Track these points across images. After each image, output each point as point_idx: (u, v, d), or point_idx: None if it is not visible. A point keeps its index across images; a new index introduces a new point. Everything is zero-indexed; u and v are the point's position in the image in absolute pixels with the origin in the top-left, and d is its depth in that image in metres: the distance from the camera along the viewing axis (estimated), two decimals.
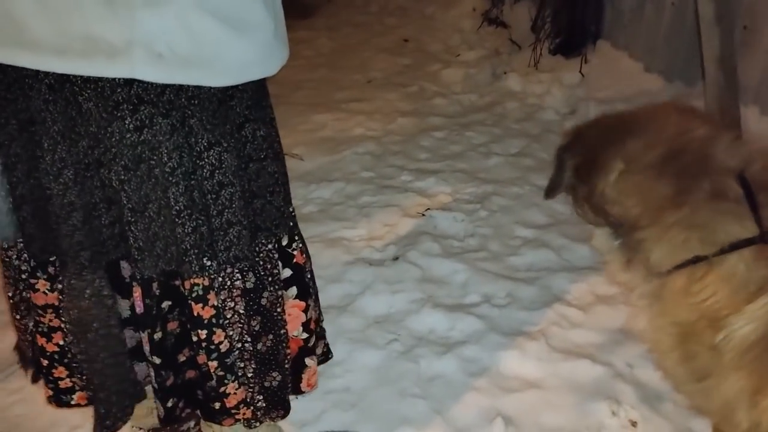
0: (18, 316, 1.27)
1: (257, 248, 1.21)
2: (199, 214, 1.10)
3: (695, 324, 1.04)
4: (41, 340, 1.23)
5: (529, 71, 3.85)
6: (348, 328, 1.91)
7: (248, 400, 1.27)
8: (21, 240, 1.18)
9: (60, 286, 1.17)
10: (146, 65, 0.95)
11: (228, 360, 1.21)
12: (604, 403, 1.61)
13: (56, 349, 1.23)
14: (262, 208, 1.20)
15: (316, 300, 1.39)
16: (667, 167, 1.08)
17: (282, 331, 1.27)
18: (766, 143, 1.12)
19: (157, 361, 1.19)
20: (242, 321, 1.20)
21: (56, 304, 1.19)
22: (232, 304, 1.18)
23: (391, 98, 3.76)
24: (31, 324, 1.24)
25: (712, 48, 2.39)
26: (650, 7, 3.33)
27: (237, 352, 1.22)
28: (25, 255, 1.18)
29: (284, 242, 1.26)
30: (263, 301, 1.23)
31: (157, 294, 1.15)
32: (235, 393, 1.24)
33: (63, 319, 1.18)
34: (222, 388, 1.23)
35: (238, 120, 1.12)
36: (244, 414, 1.28)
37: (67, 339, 1.20)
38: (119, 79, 0.98)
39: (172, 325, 1.20)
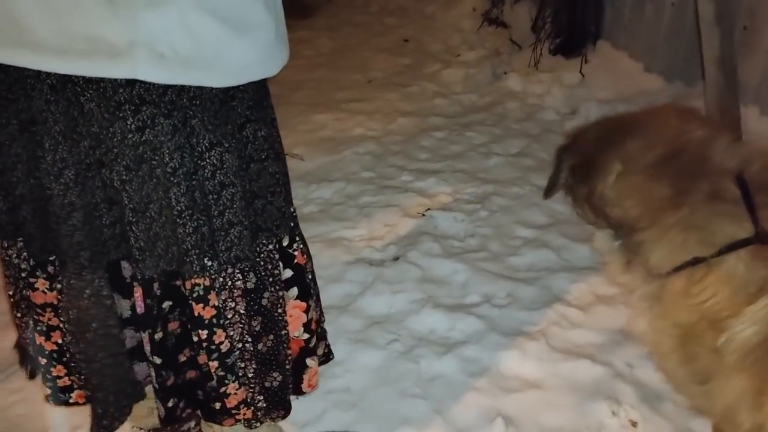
0: (19, 315, 1.27)
1: (258, 249, 1.21)
2: (200, 214, 1.10)
3: (696, 326, 1.04)
4: (39, 339, 1.23)
5: (529, 71, 3.85)
6: (348, 329, 1.92)
7: (249, 400, 1.27)
8: (21, 239, 1.18)
9: (59, 285, 1.17)
10: (148, 66, 0.95)
11: (228, 360, 1.21)
12: (604, 403, 1.61)
13: (54, 347, 1.23)
14: (263, 208, 1.20)
15: (318, 301, 1.39)
16: (666, 168, 1.08)
17: (283, 332, 1.27)
18: (765, 143, 1.12)
19: (158, 361, 1.19)
20: (243, 321, 1.21)
21: (55, 303, 1.20)
22: (233, 305, 1.19)
23: (391, 98, 3.76)
24: (31, 322, 1.25)
25: (712, 48, 2.39)
26: (650, 7, 3.33)
27: (237, 352, 1.22)
28: (25, 254, 1.18)
29: (285, 243, 1.26)
30: (264, 302, 1.23)
31: (158, 294, 1.15)
32: (235, 393, 1.24)
33: (62, 318, 1.18)
34: (222, 389, 1.23)
35: (240, 120, 1.13)
36: (244, 414, 1.28)
37: (66, 338, 1.20)
38: (121, 79, 0.98)
39: (173, 326, 1.20)
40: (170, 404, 1.25)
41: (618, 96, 3.29)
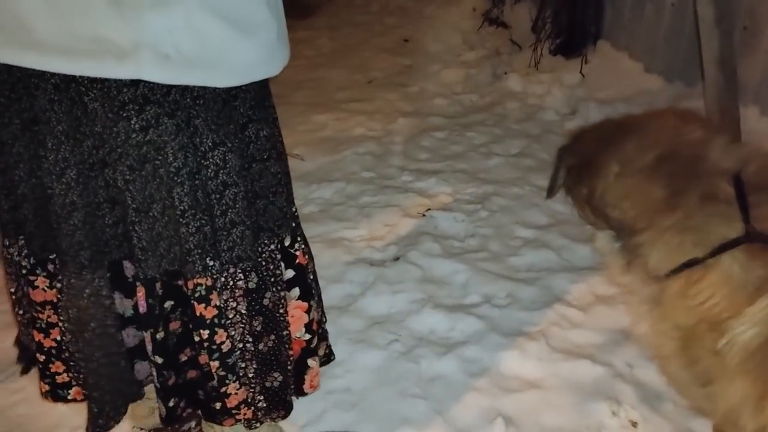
0: (21, 311, 1.27)
1: (260, 249, 1.21)
2: (202, 214, 1.10)
3: (696, 328, 1.04)
4: (38, 336, 1.23)
5: (529, 71, 3.85)
6: (349, 329, 1.92)
7: (249, 400, 1.27)
8: (22, 237, 1.18)
9: (59, 284, 1.17)
10: (153, 66, 0.96)
11: (229, 360, 1.21)
12: (604, 403, 1.61)
13: (54, 344, 1.24)
14: (265, 208, 1.21)
15: (319, 301, 1.40)
16: (662, 170, 1.08)
17: (284, 333, 1.27)
18: (765, 143, 1.12)
19: (159, 360, 1.19)
20: (244, 321, 1.21)
21: (54, 301, 1.20)
22: (234, 304, 1.19)
23: (391, 98, 3.76)
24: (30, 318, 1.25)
25: (711, 49, 2.39)
26: (650, 7, 3.33)
27: (238, 352, 1.22)
28: (26, 252, 1.19)
29: (287, 243, 1.26)
30: (265, 302, 1.23)
31: (160, 294, 1.15)
32: (236, 393, 1.25)
33: (61, 317, 1.19)
34: (223, 389, 1.23)
35: (242, 120, 1.13)
36: (245, 414, 1.28)
37: (65, 337, 1.21)
38: (125, 79, 0.98)
39: (174, 325, 1.20)
40: (171, 404, 1.25)
41: (618, 96, 3.29)
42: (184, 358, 1.24)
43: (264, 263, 1.22)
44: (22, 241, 1.18)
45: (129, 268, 1.17)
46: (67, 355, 1.23)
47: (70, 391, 1.29)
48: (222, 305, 1.17)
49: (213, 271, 1.14)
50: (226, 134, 1.09)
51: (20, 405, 1.69)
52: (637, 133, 1.15)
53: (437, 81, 4.02)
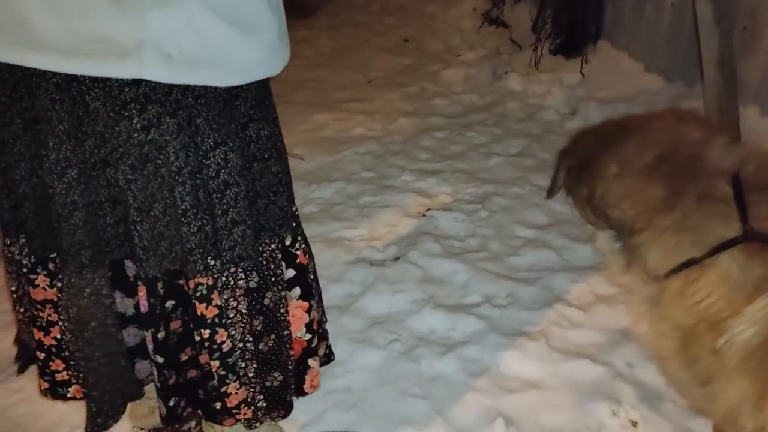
0: (22, 310, 1.28)
1: (261, 248, 1.22)
2: (204, 213, 1.10)
3: (694, 327, 1.04)
4: (38, 334, 1.23)
5: (529, 71, 3.85)
6: (349, 329, 1.92)
7: (249, 400, 1.27)
8: (23, 236, 1.18)
9: (59, 283, 1.17)
10: (155, 65, 0.96)
11: (230, 360, 1.21)
12: (604, 403, 1.61)
13: (54, 342, 1.24)
14: (266, 207, 1.21)
15: (320, 301, 1.40)
16: (660, 170, 1.09)
17: (285, 332, 1.27)
18: (765, 143, 1.12)
19: (160, 360, 1.19)
20: (244, 321, 1.21)
21: (55, 300, 1.20)
22: (235, 304, 1.19)
23: (391, 98, 3.76)
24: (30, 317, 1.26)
25: (711, 50, 2.39)
26: (650, 7, 3.33)
27: (238, 351, 1.22)
28: (27, 250, 1.19)
29: (287, 242, 1.26)
30: (266, 301, 1.23)
31: (162, 293, 1.15)
32: (236, 393, 1.25)
33: (61, 316, 1.19)
34: (223, 388, 1.23)
35: (243, 119, 1.13)
36: (245, 414, 1.28)
37: (65, 336, 1.21)
38: (127, 78, 0.98)
39: (175, 324, 1.20)
40: (171, 403, 1.25)
41: (618, 96, 3.29)
42: (184, 357, 1.24)
43: (265, 263, 1.22)
44: (23, 240, 1.19)
45: (130, 268, 1.17)
46: (66, 353, 1.23)
47: (69, 389, 1.29)
48: (223, 305, 1.18)
49: (214, 270, 1.14)
50: (228, 134, 1.10)
51: (20, 405, 1.69)
52: (637, 134, 1.15)
53: (437, 81, 4.02)
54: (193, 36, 0.96)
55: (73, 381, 1.28)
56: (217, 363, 1.20)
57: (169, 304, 1.18)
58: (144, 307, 1.15)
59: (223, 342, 1.19)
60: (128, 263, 1.17)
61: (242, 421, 1.30)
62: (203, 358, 1.21)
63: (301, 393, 1.39)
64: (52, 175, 1.06)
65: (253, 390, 1.27)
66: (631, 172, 1.12)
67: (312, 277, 1.35)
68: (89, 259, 1.13)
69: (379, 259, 2.26)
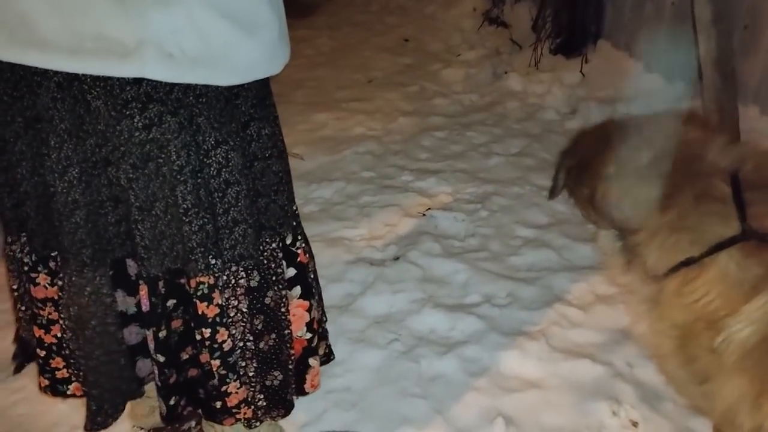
0: (23, 308, 1.28)
1: (262, 247, 1.22)
2: (205, 212, 1.10)
3: (692, 326, 1.05)
4: (39, 332, 1.23)
5: (529, 71, 3.85)
6: (349, 328, 1.92)
7: (249, 399, 1.27)
8: (24, 234, 1.18)
9: (60, 282, 1.17)
10: (157, 65, 0.96)
11: (230, 359, 1.21)
12: (604, 402, 1.61)
13: (54, 340, 1.24)
14: (267, 206, 1.21)
15: (320, 300, 1.40)
16: (657, 170, 1.09)
17: (286, 332, 1.27)
18: (764, 142, 1.12)
19: (161, 359, 1.19)
20: (245, 320, 1.21)
21: (55, 298, 1.20)
22: (236, 303, 1.19)
23: (391, 98, 3.76)
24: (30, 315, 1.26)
25: (709, 50, 2.38)
26: (650, 6, 3.33)
27: (239, 350, 1.22)
28: (28, 249, 1.19)
29: (288, 241, 1.27)
30: (267, 300, 1.23)
31: (163, 292, 1.16)
32: (236, 392, 1.25)
33: (62, 315, 1.19)
34: (224, 387, 1.23)
35: (244, 119, 1.13)
36: (245, 413, 1.28)
37: (65, 335, 1.21)
38: (128, 77, 0.98)
39: (176, 323, 1.21)
40: (172, 402, 1.25)
41: (618, 95, 3.29)
42: (185, 356, 1.24)
43: (266, 262, 1.22)
44: (24, 238, 1.19)
45: (132, 267, 1.17)
46: (67, 351, 1.23)
47: (69, 387, 1.29)
48: (224, 304, 1.18)
49: (215, 269, 1.14)
50: (229, 132, 1.10)
51: (20, 404, 1.69)
52: (636, 134, 1.16)
53: (437, 80, 4.02)
54: (194, 35, 0.96)
55: (73, 379, 1.28)
56: (217, 362, 1.20)
57: (171, 303, 1.18)
58: (145, 306, 1.15)
59: (223, 341, 1.19)
60: (130, 262, 1.17)
61: (242, 420, 1.30)
62: (204, 357, 1.21)
63: (302, 392, 1.39)
64: (54, 173, 1.06)
65: (253, 389, 1.27)
66: (628, 171, 1.13)
67: (312, 276, 1.35)
68: (90, 257, 1.13)
69: (379, 258, 2.26)
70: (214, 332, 1.18)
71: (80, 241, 1.11)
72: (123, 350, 1.22)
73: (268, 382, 1.29)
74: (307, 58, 4.51)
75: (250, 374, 1.25)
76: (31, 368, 1.40)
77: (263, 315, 1.24)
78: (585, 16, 3.73)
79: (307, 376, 1.37)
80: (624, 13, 3.55)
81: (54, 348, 1.25)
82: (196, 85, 1.03)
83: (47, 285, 1.19)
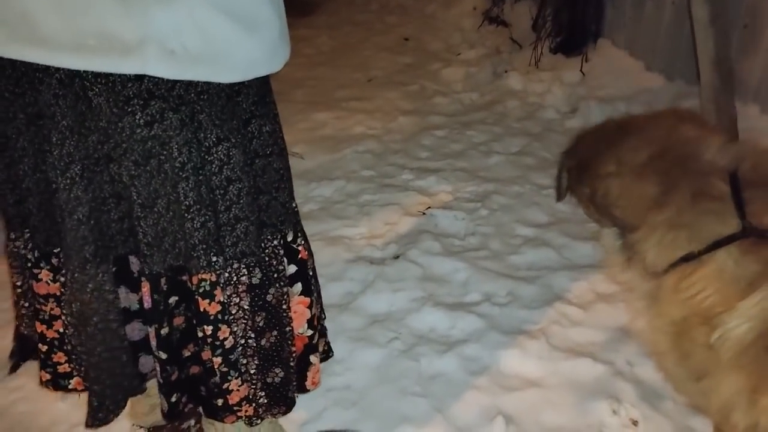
0: (26, 304, 1.28)
1: (263, 244, 1.22)
2: (207, 209, 1.10)
3: (687, 321, 1.05)
4: (41, 327, 1.24)
5: (529, 70, 3.85)
6: (349, 327, 1.92)
7: (250, 396, 1.27)
8: (28, 230, 1.19)
9: (63, 278, 1.17)
10: (159, 62, 0.96)
11: (232, 356, 1.21)
12: (604, 401, 1.61)
13: (56, 335, 1.24)
14: (268, 203, 1.21)
15: (319, 297, 1.40)
16: (655, 168, 1.10)
17: (288, 329, 1.27)
18: (764, 141, 1.13)
19: (163, 356, 1.19)
20: (246, 317, 1.21)
21: (58, 294, 1.20)
22: (237, 300, 1.19)
23: (391, 97, 3.76)
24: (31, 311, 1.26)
25: (707, 50, 2.38)
26: (651, 5, 3.33)
27: (240, 348, 1.22)
28: (31, 245, 1.19)
29: (289, 238, 1.27)
30: (269, 297, 1.23)
31: (165, 289, 1.16)
32: (237, 390, 1.25)
33: (64, 311, 1.19)
34: (225, 385, 1.23)
35: (245, 116, 1.13)
36: (246, 411, 1.28)
37: (67, 330, 1.21)
38: (130, 74, 0.98)
39: (178, 320, 1.21)
40: (173, 399, 1.25)
41: (619, 95, 3.29)
42: (187, 353, 1.24)
43: (267, 259, 1.22)
44: (28, 235, 1.19)
45: (134, 263, 1.17)
46: (69, 347, 1.23)
47: (70, 381, 1.29)
48: (225, 301, 1.18)
49: (217, 266, 1.15)
50: (230, 130, 1.10)
51: (20, 403, 1.69)
52: (634, 133, 1.17)
53: (437, 79, 4.02)
54: (196, 32, 0.96)
55: (75, 373, 1.28)
56: (219, 359, 1.20)
57: (173, 300, 1.18)
58: (147, 303, 1.15)
59: (225, 338, 1.19)
60: (132, 259, 1.17)
61: (243, 418, 1.30)
62: (206, 354, 1.21)
63: (303, 390, 1.39)
64: (56, 170, 1.06)
65: (254, 387, 1.27)
66: (626, 170, 1.14)
67: (311, 273, 1.35)
68: (92, 254, 1.13)
69: (379, 257, 2.26)
70: (216, 329, 1.18)
71: (83, 238, 1.11)
72: (125, 347, 1.23)
73: (269, 380, 1.29)
74: (307, 57, 4.51)
75: (252, 371, 1.25)
76: (30, 367, 1.40)
77: (265, 312, 1.24)
78: (585, 15, 3.73)
79: (308, 373, 1.37)
80: (624, 12, 3.55)
81: (56, 343, 1.25)
82: (198, 82, 1.03)
83: (50, 281, 1.19)
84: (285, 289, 1.25)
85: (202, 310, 1.16)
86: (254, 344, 1.24)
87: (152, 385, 1.29)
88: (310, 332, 1.34)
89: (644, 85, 3.28)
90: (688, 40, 3.01)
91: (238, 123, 1.12)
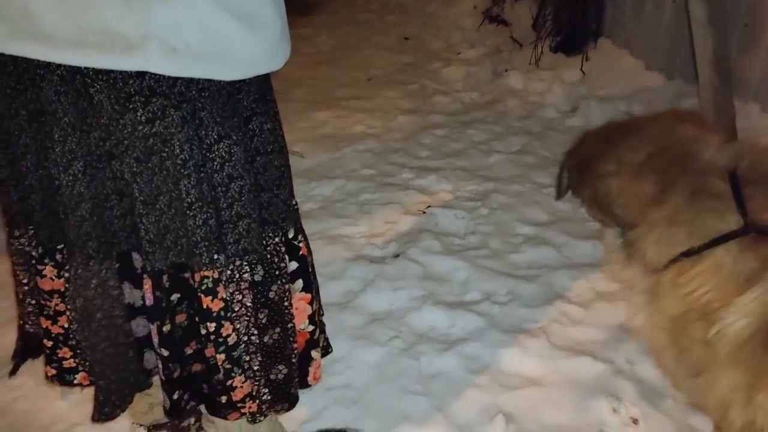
0: (33, 302, 1.28)
1: (265, 241, 1.22)
2: (208, 206, 1.11)
3: (685, 316, 1.06)
4: (46, 323, 1.23)
5: (530, 69, 3.85)
6: (349, 325, 1.92)
7: (254, 393, 1.27)
8: (31, 227, 1.19)
9: (67, 274, 1.17)
10: (160, 59, 0.96)
11: (235, 353, 1.21)
12: (604, 400, 1.61)
13: (61, 331, 1.24)
14: (269, 201, 1.21)
15: (318, 292, 1.40)
16: (653, 167, 1.12)
17: (290, 325, 1.27)
18: (764, 140, 1.14)
19: (165, 353, 1.19)
20: (249, 314, 1.21)
21: (62, 290, 1.20)
22: (240, 297, 1.19)
23: (391, 96, 3.76)
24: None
25: (705, 50, 2.38)
26: (651, 4, 3.33)
27: (243, 345, 1.22)
28: (35, 241, 1.19)
29: (290, 235, 1.27)
30: (271, 294, 1.23)
31: (167, 286, 1.16)
32: (241, 386, 1.25)
33: (68, 307, 1.19)
34: (229, 381, 1.23)
35: (246, 113, 1.14)
36: (249, 408, 1.28)
37: (72, 326, 1.21)
38: (131, 71, 0.98)
39: (181, 318, 1.21)
40: (175, 396, 1.25)
41: (619, 94, 3.30)
42: (189, 351, 1.24)
43: (269, 256, 1.22)
44: (32, 231, 1.19)
45: (137, 260, 1.18)
46: (74, 342, 1.23)
47: (76, 376, 1.29)
48: (228, 298, 1.18)
49: (219, 264, 1.15)
50: (231, 127, 1.10)
51: (20, 401, 1.69)
52: (634, 133, 1.19)
53: (437, 79, 4.02)
54: (197, 30, 0.96)
55: (80, 368, 1.28)
56: (222, 356, 1.20)
57: (175, 297, 1.18)
58: (149, 300, 1.15)
59: (228, 335, 1.19)
60: (135, 255, 1.17)
61: (246, 414, 1.30)
62: (209, 351, 1.21)
63: (305, 385, 1.39)
64: (58, 167, 1.06)
65: (258, 383, 1.27)
66: (626, 169, 1.15)
67: (311, 269, 1.35)
68: (96, 250, 1.13)
69: (379, 256, 2.26)
70: (219, 326, 1.18)
71: (86, 234, 1.11)
72: (130, 342, 1.23)
73: (272, 376, 1.29)
74: (307, 57, 4.51)
75: (255, 368, 1.26)
76: (30, 366, 1.40)
77: (267, 309, 1.24)
78: (585, 14, 3.73)
79: (309, 369, 1.37)
80: (624, 11, 3.55)
81: (61, 338, 1.25)
82: (199, 79, 1.03)
83: (54, 277, 1.19)
84: (287, 286, 1.25)
85: (204, 307, 1.16)
86: (257, 341, 1.24)
87: (157, 380, 1.29)
88: (311, 328, 1.35)
89: (644, 84, 3.28)
90: (688, 39, 3.01)
91: (239, 120, 1.12)
